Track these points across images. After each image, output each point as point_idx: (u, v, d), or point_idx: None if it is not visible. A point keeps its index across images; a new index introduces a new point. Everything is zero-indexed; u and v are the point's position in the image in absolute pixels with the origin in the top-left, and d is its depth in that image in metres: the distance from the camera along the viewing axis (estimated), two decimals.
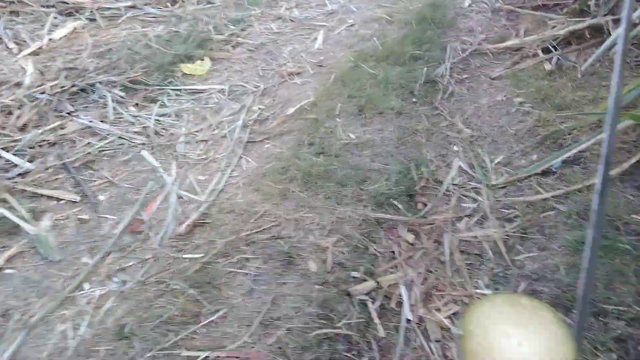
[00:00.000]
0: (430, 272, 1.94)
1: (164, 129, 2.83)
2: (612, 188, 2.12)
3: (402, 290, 1.85)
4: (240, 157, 2.59)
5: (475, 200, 2.29)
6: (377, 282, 1.86)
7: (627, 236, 1.93)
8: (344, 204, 2.19)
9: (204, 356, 1.62)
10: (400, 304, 1.81)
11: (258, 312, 1.74)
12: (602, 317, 1.68)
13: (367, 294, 1.83)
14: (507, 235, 2.07)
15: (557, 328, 0.48)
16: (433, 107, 2.97)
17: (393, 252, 2.01)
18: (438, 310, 1.80)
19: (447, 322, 1.73)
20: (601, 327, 1.66)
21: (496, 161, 2.50)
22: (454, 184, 2.39)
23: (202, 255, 1.98)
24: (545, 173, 2.34)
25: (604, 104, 2.36)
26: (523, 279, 1.88)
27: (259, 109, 3.00)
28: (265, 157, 2.57)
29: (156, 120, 2.89)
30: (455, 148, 2.64)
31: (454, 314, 1.79)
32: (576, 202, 2.12)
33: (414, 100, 3.01)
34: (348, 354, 1.64)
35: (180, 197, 2.33)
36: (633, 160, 2.12)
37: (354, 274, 1.89)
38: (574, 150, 2.27)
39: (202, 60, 3.48)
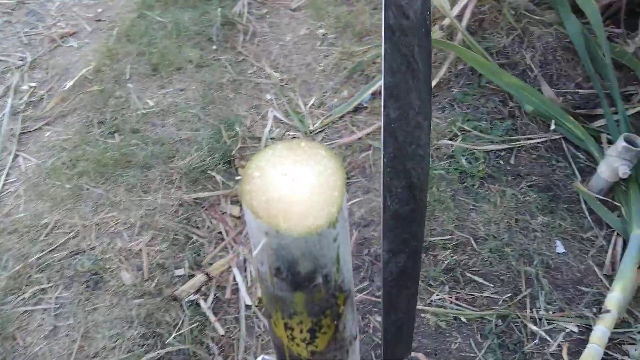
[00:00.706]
0: None
1: None
2: None
3: (236, 273, 1.69)
4: (16, 155, 2.11)
5: None
6: (207, 274, 1.67)
7: (439, 162, 1.98)
8: (152, 191, 1.91)
9: None
10: (237, 290, 1.66)
11: (68, 354, 1.45)
12: (430, 250, 1.72)
13: (197, 291, 1.64)
14: None
15: (328, 161, 0.51)
16: (236, 53, 2.72)
17: (220, 232, 1.82)
18: None
19: None
20: (431, 261, 1.69)
21: (310, 104, 2.39)
22: (272, 138, 2.24)
23: None
24: (357, 109, 2.29)
25: None
26: (352, 227, 1.84)
27: (30, 87, 2.47)
28: (47, 149, 2.13)
29: None
30: (268, 96, 2.46)
31: None
32: None
33: (213, 47, 2.72)
34: None
35: None
36: (434, 82, 2.15)
37: (178, 272, 1.67)
38: (380, 82, 2.24)
39: None
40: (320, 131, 2.25)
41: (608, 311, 1.48)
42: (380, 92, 2.32)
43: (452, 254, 1.70)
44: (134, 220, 1.80)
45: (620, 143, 1.72)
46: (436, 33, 2.12)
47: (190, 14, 2.88)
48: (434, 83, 2.14)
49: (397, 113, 0.50)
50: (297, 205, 0.44)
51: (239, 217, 1.88)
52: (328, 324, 0.49)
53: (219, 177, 2.00)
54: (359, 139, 2.12)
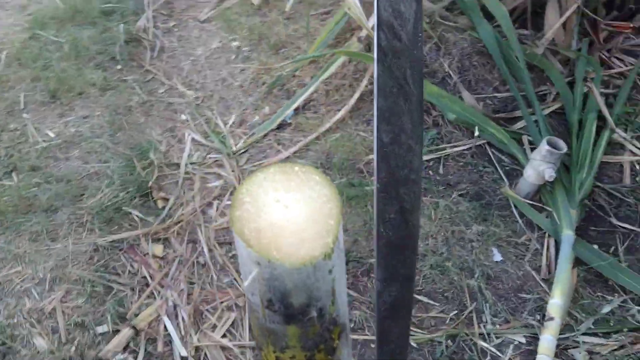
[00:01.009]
0: (193, 283, 1.66)
1: None
2: (346, 128, 2.09)
3: (167, 322, 1.54)
4: None
5: (220, 176, 2.03)
6: (134, 327, 1.50)
7: (370, 177, 1.93)
8: (60, 237, 1.70)
9: None
10: (170, 342, 1.50)
11: None
12: (372, 273, 1.66)
13: (124, 349, 1.46)
14: None
15: (322, 188, 0.48)
16: (144, 72, 2.52)
17: (144, 277, 1.65)
18: (214, 328, 1.55)
19: (226, 341, 1.50)
20: (373, 285, 1.63)
21: (230, 122, 2.26)
22: (192, 163, 2.08)
23: None
24: (281, 126, 2.19)
25: (318, 38, 2.27)
26: None
27: None
28: None
29: None
30: (183, 117, 2.30)
31: (232, 324, 1.57)
32: (317, 152, 2.04)
33: (118, 67, 2.50)
34: None
35: None
36: (357, 95, 2.10)
37: (101, 329, 1.49)
38: (302, 97, 2.15)
39: None
40: (244, 152, 2.13)
41: (552, 319, 1.49)
42: (303, 107, 2.24)
43: None
44: (42, 274, 1.58)
45: (544, 147, 1.75)
46: (354, 45, 2.07)
47: (90, 31, 2.64)
48: (356, 96, 2.09)
49: (389, 137, 0.50)
50: (291, 234, 0.42)
51: (162, 257, 1.72)
52: (322, 358, 0.47)
53: (136, 214, 1.82)
54: (287, 158, 2.03)
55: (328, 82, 2.18)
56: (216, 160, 2.09)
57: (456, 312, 1.56)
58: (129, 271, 1.64)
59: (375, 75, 0.50)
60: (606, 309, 1.62)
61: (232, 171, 2.03)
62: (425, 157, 1.95)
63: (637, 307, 1.63)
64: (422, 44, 0.47)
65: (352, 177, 1.90)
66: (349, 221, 1.75)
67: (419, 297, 1.59)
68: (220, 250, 1.76)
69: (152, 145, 2.10)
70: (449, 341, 1.49)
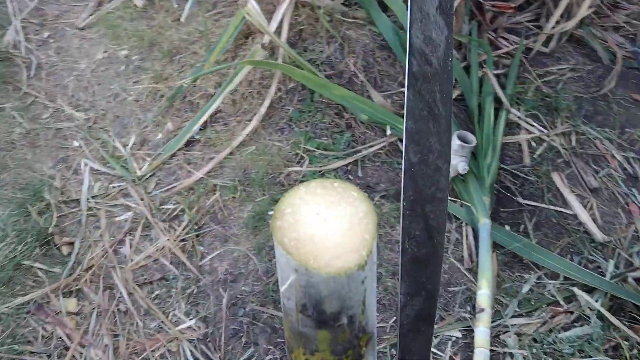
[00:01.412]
0: (117, 335, 1.53)
1: None
2: (260, 140, 2.01)
3: None
4: None
5: (128, 207, 1.87)
6: None
7: None
8: None
9: None
10: None
11: None
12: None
13: None
14: (182, 239, 1.78)
15: (360, 204, 0.52)
16: (23, 95, 2.25)
17: (60, 339, 1.49)
18: None
19: None
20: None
21: (130, 144, 2.09)
22: (94, 196, 1.90)
23: None
24: (189, 144, 2.06)
25: (218, 45, 2.13)
26: (220, 285, 1.66)
27: None
28: None
29: None
30: (76, 143, 2.09)
31: None
32: (234, 169, 1.95)
33: None
34: None
35: None
36: (267, 103, 2.02)
37: None
38: (209, 111, 2.03)
39: None
40: (151, 176, 1.98)
41: (482, 310, 1.56)
42: (210, 121, 2.11)
43: None
44: None
45: (455, 142, 1.80)
46: (258, 53, 1.98)
47: None
48: (266, 104, 2.01)
49: (417, 157, 0.53)
50: (328, 246, 0.45)
51: (78, 312, 1.56)
52: None
53: (39, 267, 1.64)
54: (200, 179, 1.91)
55: (234, 91, 2.07)
56: (121, 190, 1.93)
57: (395, 318, 1.58)
58: (42, 336, 1.48)
59: (405, 99, 0.52)
60: (525, 288, 1.73)
61: (141, 199, 1.88)
62: (343, 162, 1.93)
63: (551, 282, 1.75)
64: (452, 68, 0.49)
65: (275, 192, 1.84)
66: None
67: None
68: (141, 292, 1.64)
69: (45, 183, 1.89)
70: (392, 350, 1.51)
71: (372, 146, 2.00)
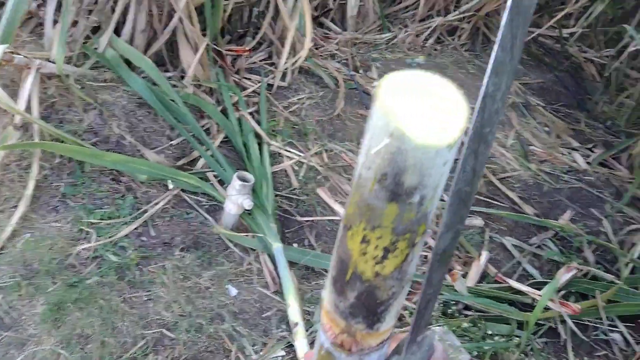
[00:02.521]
0: None
1: None
2: (34, 225, 1.86)
3: None
4: None
5: None
6: None
7: (86, 268, 1.80)
8: None
9: None
10: None
11: None
12: None
13: None
14: None
15: (463, 102, 0.60)
16: None
17: None
18: None
19: None
20: None
21: None
22: None
23: None
24: None
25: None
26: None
27: None
28: None
29: None
30: None
31: None
32: (11, 264, 1.76)
33: None
34: None
35: None
36: (32, 185, 1.87)
37: None
38: None
39: None
40: None
41: (296, 324, 1.78)
42: None
43: (155, 356, 1.64)
44: None
45: (236, 183, 1.98)
46: (12, 134, 1.82)
47: None
48: (31, 186, 1.87)
49: (493, 87, 0.50)
50: (428, 119, 0.47)
51: None
52: (402, 248, 0.51)
53: None
54: None
55: None
56: None
57: None
58: None
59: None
60: (324, 293, 2.02)
61: None
62: (133, 226, 1.93)
63: None
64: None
65: (68, 276, 1.73)
66: (89, 330, 1.62)
67: None
68: None
69: None
70: None
71: (157, 203, 2.04)
